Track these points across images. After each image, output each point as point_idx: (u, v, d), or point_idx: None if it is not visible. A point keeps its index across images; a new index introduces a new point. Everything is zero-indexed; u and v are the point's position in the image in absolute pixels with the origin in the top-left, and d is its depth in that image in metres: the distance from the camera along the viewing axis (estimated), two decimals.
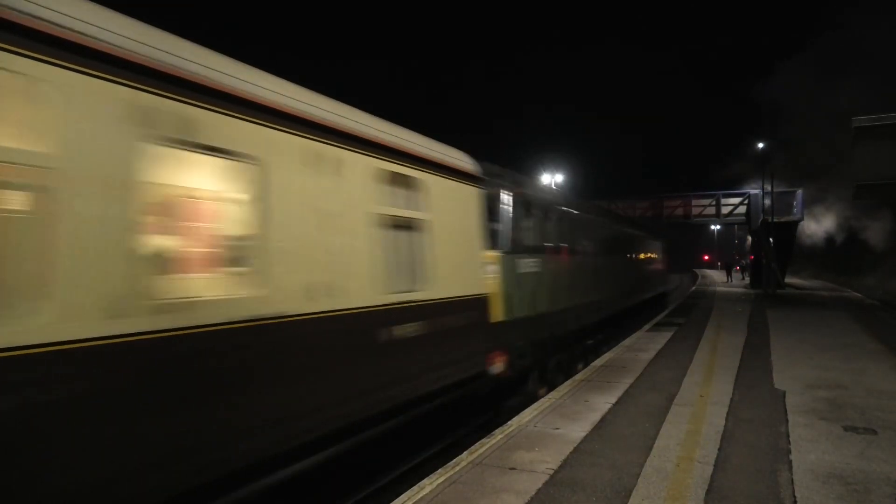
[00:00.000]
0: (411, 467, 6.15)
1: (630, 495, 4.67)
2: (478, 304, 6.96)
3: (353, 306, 4.82)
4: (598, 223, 14.13)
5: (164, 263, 3.59)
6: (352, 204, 4.95)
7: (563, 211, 10.83)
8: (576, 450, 5.76)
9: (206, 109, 3.68)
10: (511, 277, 8.02)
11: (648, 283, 22.61)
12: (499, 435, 6.32)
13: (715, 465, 5.30)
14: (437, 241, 6.14)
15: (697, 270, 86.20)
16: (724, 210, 32.94)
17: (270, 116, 4.17)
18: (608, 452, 5.68)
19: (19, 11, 2.77)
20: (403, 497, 4.75)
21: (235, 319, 3.74)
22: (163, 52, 3.50)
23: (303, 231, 4.39)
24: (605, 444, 5.95)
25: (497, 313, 7.45)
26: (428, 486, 4.93)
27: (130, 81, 3.26)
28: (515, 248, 8.30)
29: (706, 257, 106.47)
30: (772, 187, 28.66)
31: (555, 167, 40.10)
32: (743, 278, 48.78)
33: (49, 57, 2.89)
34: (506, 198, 8.19)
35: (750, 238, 37.36)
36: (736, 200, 32.67)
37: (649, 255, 22.97)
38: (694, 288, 41.15)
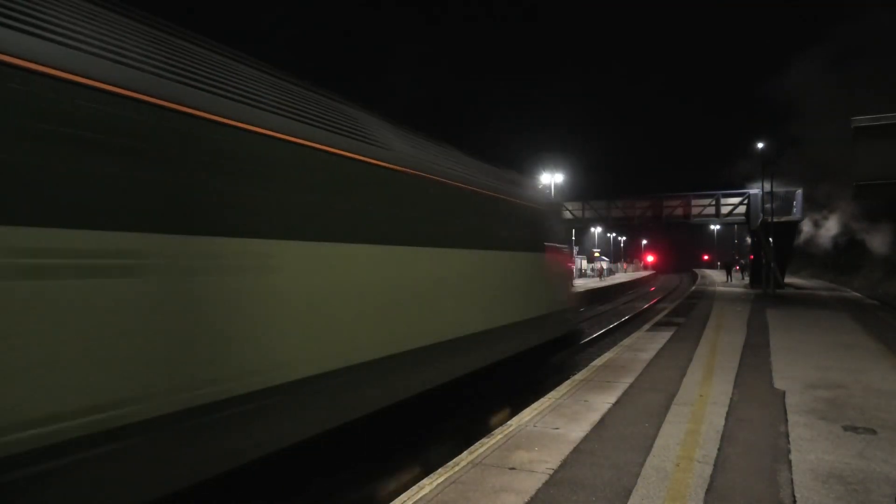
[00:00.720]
0: None
1: (630, 495, 4.68)
2: None
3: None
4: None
5: None
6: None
7: None
8: (575, 450, 5.77)
9: None
10: None
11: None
12: (498, 435, 6.32)
13: (715, 465, 5.30)
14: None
15: (697, 270, 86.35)
16: (724, 210, 32.94)
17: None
18: (608, 452, 5.68)
19: None
20: (403, 497, 4.75)
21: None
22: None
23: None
24: (605, 443, 5.95)
25: None
26: (428, 485, 4.93)
27: None
28: None
29: (706, 257, 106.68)
30: (771, 187, 28.69)
31: (555, 167, 40.15)
32: (742, 278, 48.83)
33: None
34: None
35: (750, 238, 37.40)
36: (735, 200, 32.67)
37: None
38: (693, 288, 41.21)
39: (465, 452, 5.82)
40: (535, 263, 9.73)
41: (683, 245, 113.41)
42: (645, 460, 5.44)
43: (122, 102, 3.33)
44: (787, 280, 36.94)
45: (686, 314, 19.56)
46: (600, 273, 53.88)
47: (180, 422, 3.53)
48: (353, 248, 5.11)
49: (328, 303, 4.82)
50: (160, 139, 3.52)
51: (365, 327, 5.30)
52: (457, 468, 5.32)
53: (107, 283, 3.18)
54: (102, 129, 3.21)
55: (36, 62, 2.95)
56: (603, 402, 7.65)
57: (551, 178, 39.78)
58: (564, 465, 5.36)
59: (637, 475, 5.08)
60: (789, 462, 5.38)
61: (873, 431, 6.26)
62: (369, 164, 5.46)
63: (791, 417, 6.83)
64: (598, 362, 10.66)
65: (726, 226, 59.15)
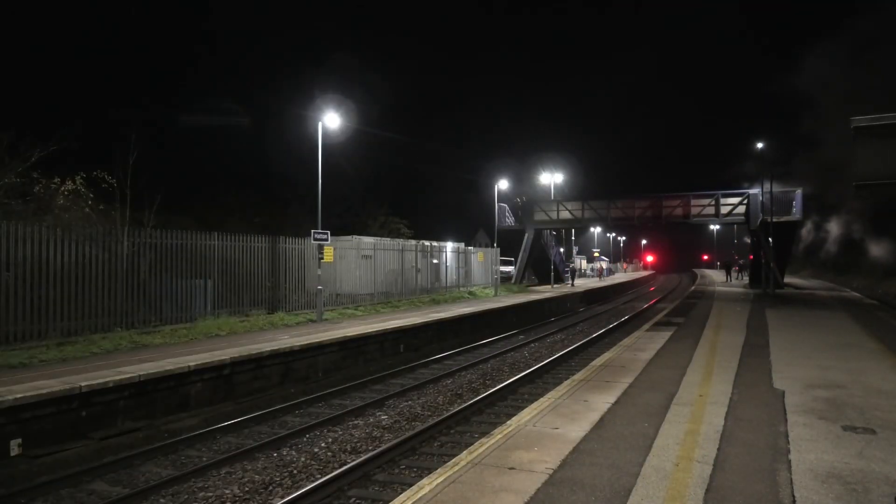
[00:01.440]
0: None
1: (629, 495, 4.67)
2: None
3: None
4: None
5: None
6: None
7: None
8: (575, 449, 5.76)
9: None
10: None
11: None
12: (498, 435, 6.32)
13: (714, 465, 5.30)
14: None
15: (697, 270, 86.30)
16: (724, 210, 32.89)
17: None
18: (607, 452, 5.68)
19: None
20: (403, 497, 4.75)
21: None
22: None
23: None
24: (605, 443, 5.95)
25: None
26: (427, 485, 4.93)
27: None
28: None
29: (705, 257, 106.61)
30: (770, 187, 28.66)
31: (554, 166, 40.12)
32: (739, 278, 48.79)
33: None
34: None
35: (750, 238, 37.38)
36: (735, 200, 32.60)
37: None
38: (693, 288, 41.19)
39: (464, 452, 5.82)
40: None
41: (683, 245, 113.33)
42: (644, 460, 5.44)
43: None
44: (787, 280, 36.92)
45: (686, 314, 19.55)
46: (600, 273, 53.83)
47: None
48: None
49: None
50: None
51: None
52: (456, 468, 5.32)
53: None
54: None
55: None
56: (602, 401, 7.65)
57: (551, 178, 39.80)
58: (564, 464, 5.36)
59: (636, 475, 5.08)
60: (789, 462, 5.38)
61: (873, 431, 6.26)
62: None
63: (790, 417, 6.83)
64: (597, 362, 10.65)
65: (726, 226, 59.10)
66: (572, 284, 39.67)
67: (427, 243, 27.38)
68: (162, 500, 6.61)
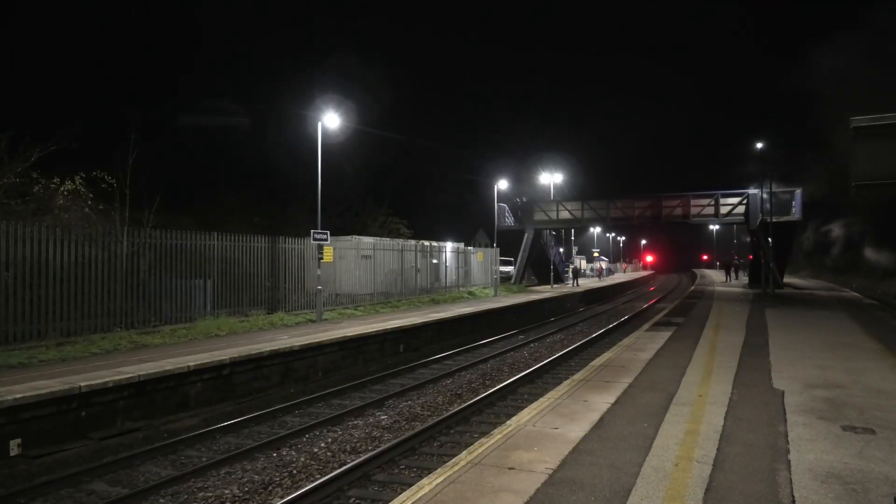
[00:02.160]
0: None
1: (629, 495, 4.67)
2: None
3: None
4: None
5: None
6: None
7: None
8: (575, 449, 5.77)
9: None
10: None
11: None
12: (497, 435, 6.32)
13: (714, 465, 5.30)
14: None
15: (696, 270, 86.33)
16: (723, 210, 32.89)
17: None
18: (607, 452, 5.68)
19: None
20: (402, 497, 4.75)
21: None
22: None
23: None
24: (604, 443, 5.95)
25: None
26: (427, 485, 4.93)
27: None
28: None
29: (705, 257, 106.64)
30: (770, 187, 28.67)
31: (554, 166, 40.13)
32: (736, 277, 48.79)
33: None
34: None
35: (749, 238, 37.38)
36: (735, 200, 32.60)
37: None
38: (693, 288, 41.21)
39: (464, 452, 5.82)
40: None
41: (683, 245, 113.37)
42: (644, 460, 5.44)
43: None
44: (787, 280, 36.94)
45: (685, 314, 19.56)
46: (599, 273, 53.83)
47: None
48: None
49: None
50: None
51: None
52: (456, 468, 5.32)
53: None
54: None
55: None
56: (602, 401, 7.65)
57: (551, 179, 39.80)
58: (563, 464, 5.36)
59: (636, 475, 5.08)
60: (788, 462, 5.38)
61: (872, 431, 6.27)
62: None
63: (790, 417, 6.84)
64: (597, 362, 10.65)
65: (725, 226, 59.11)
66: (576, 284, 39.68)
67: (427, 243, 27.38)
68: (161, 501, 6.61)
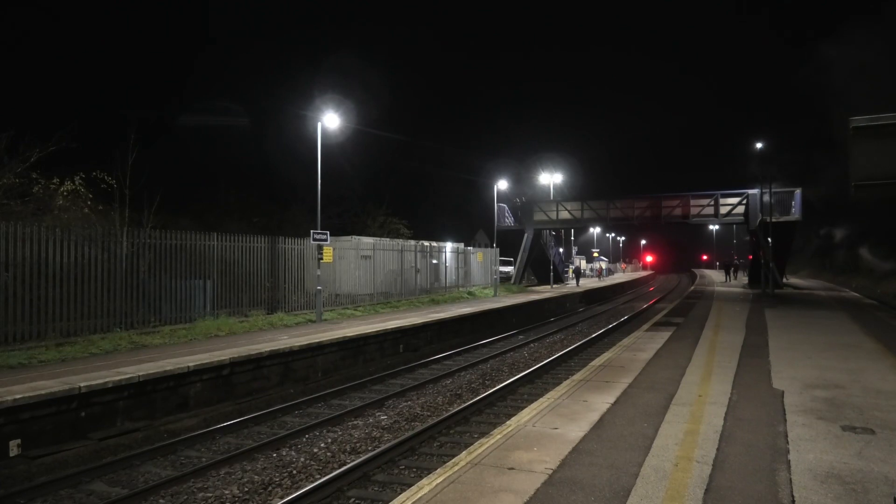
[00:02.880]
0: None
1: (629, 495, 4.68)
2: None
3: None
4: None
5: None
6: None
7: None
8: (574, 450, 5.77)
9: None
10: None
11: None
12: (497, 435, 6.32)
13: (713, 465, 5.30)
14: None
15: (696, 270, 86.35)
16: (723, 210, 32.89)
17: None
18: (607, 452, 5.68)
19: None
20: (402, 497, 4.75)
21: None
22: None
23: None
24: (604, 443, 5.95)
25: None
26: (427, 486, 4.93)
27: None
28: None
29: (705, 257, 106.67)
30: (770, 188, 28.67)
31: (554, 167, 40.14)
32: (736, 277, 48.80)
33: None
34: None
35: (749, 238, 37.39)
36: (734, 200, 32.60)
37: None
38: (692, 288, 41.21)
39: (463, 453, 5.82)
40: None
41: (682, 245, 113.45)
42: (644, 460, 5.44)
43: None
44: (786, 280, 36.95)
45: (685, 314, 19.56)
46: (599, 273, 53.83)
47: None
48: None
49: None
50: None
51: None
52: (455, 468, 5.32)
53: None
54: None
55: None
56: (602, 402, 7.65)
57: (550, 179, 39.80)
58: (563, 465, 5.36)
59: (636, 475, 5.08)
60: (788, 462, 5.38)
61: (872, 431, 6.27)
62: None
63: (790, 417, 6.84)
64: (596, 362, 10.66)
65: (725, 226, 59.11)
66: (578, 284, 39.68)
67: (426, 243, 27.38)
68: (161, 501, 6.61)
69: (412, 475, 7.15)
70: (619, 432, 6.32)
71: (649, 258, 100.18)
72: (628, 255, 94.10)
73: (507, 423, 6.87)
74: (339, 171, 39.43)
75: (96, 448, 8.21)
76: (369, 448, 8.27)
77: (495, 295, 29.10)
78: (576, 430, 6.39)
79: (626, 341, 13.36)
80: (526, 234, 37.22)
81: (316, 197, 17.59)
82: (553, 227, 39.11)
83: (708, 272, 76.89)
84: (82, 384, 8.38)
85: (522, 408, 8.49)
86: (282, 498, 6.50)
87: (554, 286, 36.53)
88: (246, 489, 6.85)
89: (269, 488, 6.90)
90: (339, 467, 7.32)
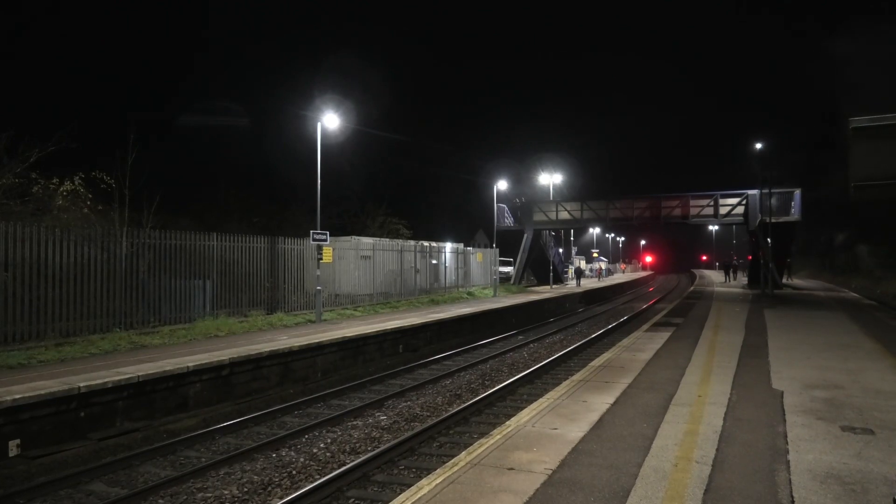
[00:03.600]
0: None
1: (628, 495, 4.67)
2: None
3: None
4: None
5: None
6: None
7: None
8: (574, 450, 5.77)
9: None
10: None
11: None
12: (497, 435, 6.32)
13: (713, 465, 5.30)
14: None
15: (695, 271, 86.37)
16: (722, 210, 32.90)
17: None
18: (606, 453, 5.68)
19: None
20: (402, 497, 4.75)
21: None
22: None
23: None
24: (604, 444, 5.95)
25: None
26: (426, 486, 4.93)
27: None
28: None
29: (704, 258, 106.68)
30: (769, 188, 28.67)
31: (553, 167, 40.14)
32: (735, 278, 48.79)
33: None
34: None
35: (749, 238, 37.40)
36: (734, 201, 32.61)
37: None
38: (692, 288, 41.22)
39: (463, 453, 5.82)
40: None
41: (682, 245, 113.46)
42: (643, 461, 5.44)
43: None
44: (785, 280, 36.95)
45: (684, 314, 19.56)
46: (598, 273, 53.83)
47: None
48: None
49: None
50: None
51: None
52: (455, 468, 5.32)
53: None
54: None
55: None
56: (601, 402, 7.65)
57: (550, 179, 39.81)
58: (563, 465, 5.36)
59: (635, 476, 5.08)
60: (787, 462, 5.38)
61: (871, 432, 6.27)
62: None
63: (789, 418, 6.84)
64: (596, 363, 10.66)
65: (725, 226, 59.13)
66: (578, 284, 39.68)
67: (426, 244, 27.38)
68: (161, 501, 6.60)
69: (412, 475, 7.15)
70: (619, 433, 6.32)
71: (649, 258, 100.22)
72: (628, 255, 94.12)
73: (507, 423, 6.87)
74: (338, 171, 39.45)
75: (96, 448, 8.21)
76: (369, 448, 8.27)
77: (495, 295, 29.10)
78: (575, 431, 6.39)
79: (625, 342, 13.36)
80: (525, 235, 37.23)
81: (316, 197, 17.59)
82: (553, 228, 39.12)
83: (707, 272, 76.90)
84: (82, 384, 8.37)
85: (522, 408, 8.49)
86: (281, 498, 6.50)
87: (553, 286, 36.53)
88: (245, 489, 6.84)
89: (269, 488, 6.90)
90: (339, 467, 7.32)
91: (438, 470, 5.39)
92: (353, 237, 23.80)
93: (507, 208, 38.17)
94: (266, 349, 11.55)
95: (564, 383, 9.00)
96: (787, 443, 5.94)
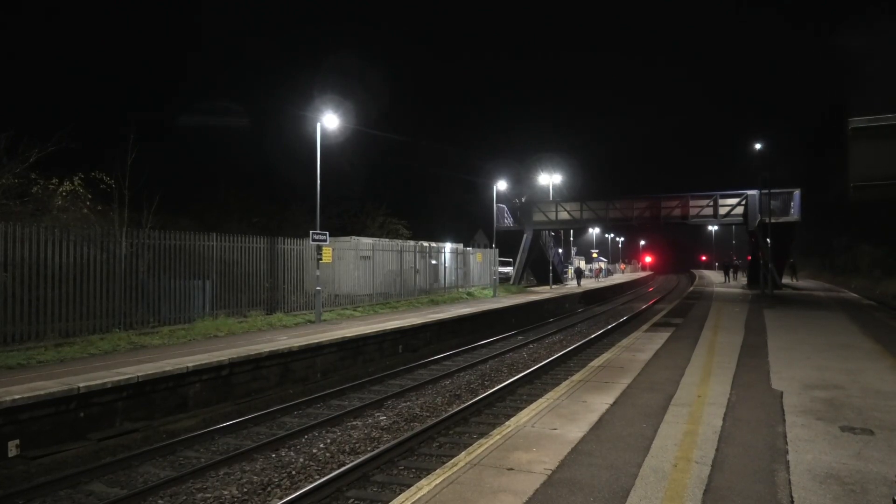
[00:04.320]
0: None
1: (628, 495, 4.67)
2: None
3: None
4: None
5: None
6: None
7: None
8: (573, 450, 5.77)
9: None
10: None
11: None
12: (496, 435, 6.32)
13: (713, 466, 5.30)
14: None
15: (695, 271, 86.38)
16: (722, 211, 32.90)
17: None
18: (606, 453, 5.68)
19: None
20: (401, 497, 4.75)
21: None
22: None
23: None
24: (603, 444, 5.95)
25: None
26: (426, 486, 4.93)
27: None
28: None
29: (704, 258, 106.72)
30: (769, 188, 28.68)
31: (553, 167, 40.14)
32: (735, 278, 48.79)
33: None
34: None
35: (748, 239, 37.41)
36: (733, 201, 32.62)
37: None
38: (692, 288, 41.22)
39: (463, 453, 5.82)
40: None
41: (681, 246, 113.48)
42: (643, 461, 5.44)
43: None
44: (785, 281, 36.96)
45: (684, 315, 19.57)
46: (598, 274, 53.83)
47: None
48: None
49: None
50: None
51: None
52: (455, 469, 5.32)
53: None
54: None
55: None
56: (601, 402, 7.65)
57: (550, 179, 39.81)
58: (562, 465, 5.36)
59: (635, 476, 5.08)
60: (787, 462, 5.39)
61: (871, 432, 6.27)
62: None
63: (789, 418, 6.84)
64: (596, 363, 10.66)
65: (724, 226, 59.13)
66: (578, 284, 39.68)
67: (426, 244, 27.38)
68: (160, 502, 6.60)
69: (411, 476, 7.15)
70: (619, 433, 6.32)
71: (648, 259, 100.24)
72: (627, 255, 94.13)
73: (507, 423, 6.87)
74: (338, 172, 39.45)
75: (95, 448, 8.20)
76: (368, 448, 8.27)
77: (494, 295, 29.10)
78: (575, 431, 6.39)
79: (625, 342, 13.36)
80: (525, 235, 37.23)
81: (315, 197, 17.59)
82: (552, 228, 39.13)
83: (707, 273, 76.91)
84: (81, 385, 8.37)
85: (521, 408, 8.49)
86: (281, 498, 6.50)
87: (553, 287, 36.54)
88: (245, 490, 6.84)
89: (268, 489, 6.90)
90: (339, 468, 7.32)
91: (438, 470, 5.39)
92: (353, 237, 23.80)
93: (506, 208, 38.17)
94: (266, 349, 11.55)
95: (564, 383, 9.00)
96: (786, 443, 5.94)
